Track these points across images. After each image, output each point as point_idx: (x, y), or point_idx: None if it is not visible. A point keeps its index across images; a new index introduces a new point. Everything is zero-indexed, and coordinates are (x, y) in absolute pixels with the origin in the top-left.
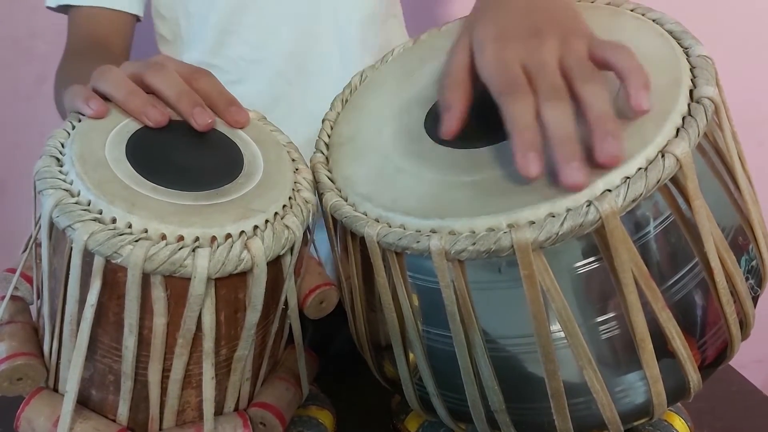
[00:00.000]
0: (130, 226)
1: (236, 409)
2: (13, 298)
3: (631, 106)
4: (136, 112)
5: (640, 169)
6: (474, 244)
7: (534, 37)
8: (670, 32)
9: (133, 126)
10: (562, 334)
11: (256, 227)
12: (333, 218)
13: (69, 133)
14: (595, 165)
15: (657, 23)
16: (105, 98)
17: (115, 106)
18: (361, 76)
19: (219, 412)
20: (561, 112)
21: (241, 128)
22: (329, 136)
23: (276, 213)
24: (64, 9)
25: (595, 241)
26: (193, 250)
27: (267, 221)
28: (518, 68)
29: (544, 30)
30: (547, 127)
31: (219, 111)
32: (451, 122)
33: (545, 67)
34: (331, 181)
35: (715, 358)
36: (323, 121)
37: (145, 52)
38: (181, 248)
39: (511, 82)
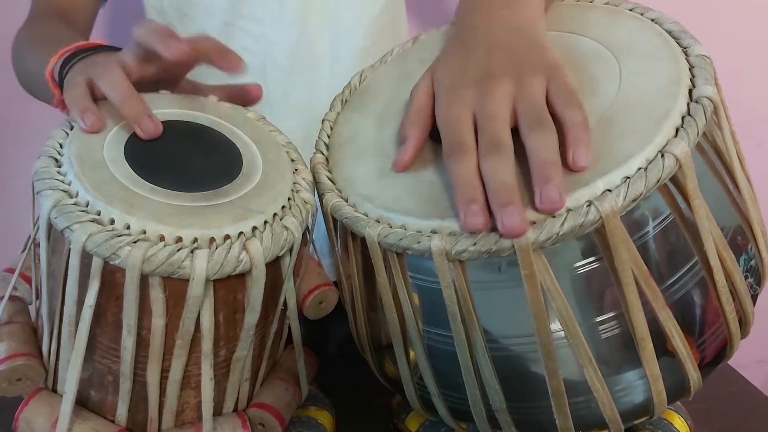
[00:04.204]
0: (128, 227)
1: (235, 410)
2: (12, 298)
3: (568, 162)
4: (131, 119)
5: (640, 168)
6: (475, 244)
7: (487, 82)
8: (669, 32)
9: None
10: (563, 334)
11: (254, 228)
12: (333, 219)
13: (67, 134)
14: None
15: (656, 23)
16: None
17: (113, 107)
18: (361, 76)
19: (218, 412)
20: (495, 164)
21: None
22: (329, 137)
23: (275, 214)
24: None
25: (595, 240)
26: (192, 252)
27: (266, 222)
28: (466, 124)
29: (499, 72)
30: (485, 179)
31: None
32: (405, 154)
33: (491, 118)
34: (332, 181)
35: (714, 357)
36: (323, 121)
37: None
38: (180, 249)
39: (455, 143)
